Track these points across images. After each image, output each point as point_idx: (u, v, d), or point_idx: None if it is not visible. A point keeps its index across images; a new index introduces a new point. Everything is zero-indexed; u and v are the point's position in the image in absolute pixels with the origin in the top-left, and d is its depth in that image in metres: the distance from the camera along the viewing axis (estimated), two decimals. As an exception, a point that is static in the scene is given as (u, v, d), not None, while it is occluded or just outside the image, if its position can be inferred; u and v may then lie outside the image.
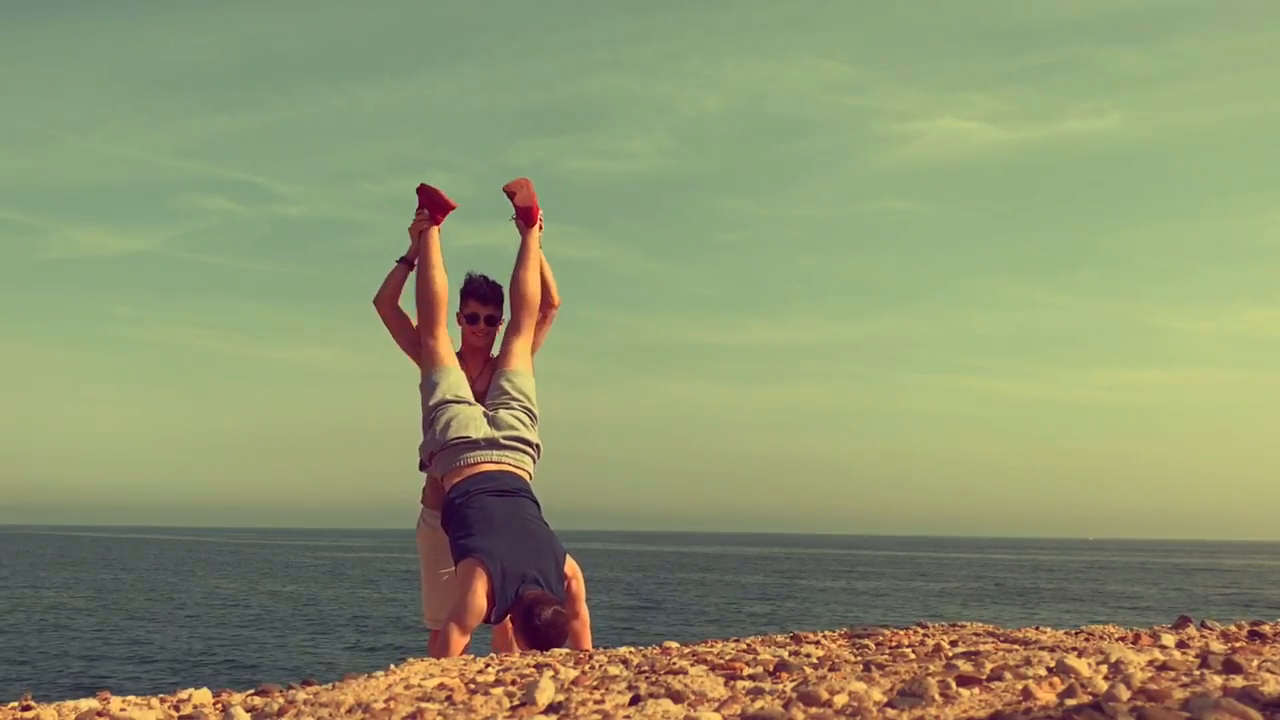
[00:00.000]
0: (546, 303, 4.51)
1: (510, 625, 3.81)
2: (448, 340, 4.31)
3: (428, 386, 4.24)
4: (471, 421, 4.13)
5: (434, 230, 4.41)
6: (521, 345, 4.39)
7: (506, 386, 4.28)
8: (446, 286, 4.31)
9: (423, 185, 4.51)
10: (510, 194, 4.54)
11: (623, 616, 27.55)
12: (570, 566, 3.98)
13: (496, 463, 4.10)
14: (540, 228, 4.53)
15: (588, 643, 3.98)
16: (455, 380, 4.24)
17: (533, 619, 3.61)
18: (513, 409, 4.22)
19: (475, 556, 3.76)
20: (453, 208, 4.46)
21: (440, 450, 4.11)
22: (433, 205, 4.45)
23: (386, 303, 4.39)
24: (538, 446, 4.26)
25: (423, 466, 4.33)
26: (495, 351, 4.53)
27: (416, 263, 4.38)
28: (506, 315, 4.46)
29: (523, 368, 4.35)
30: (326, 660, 18.83)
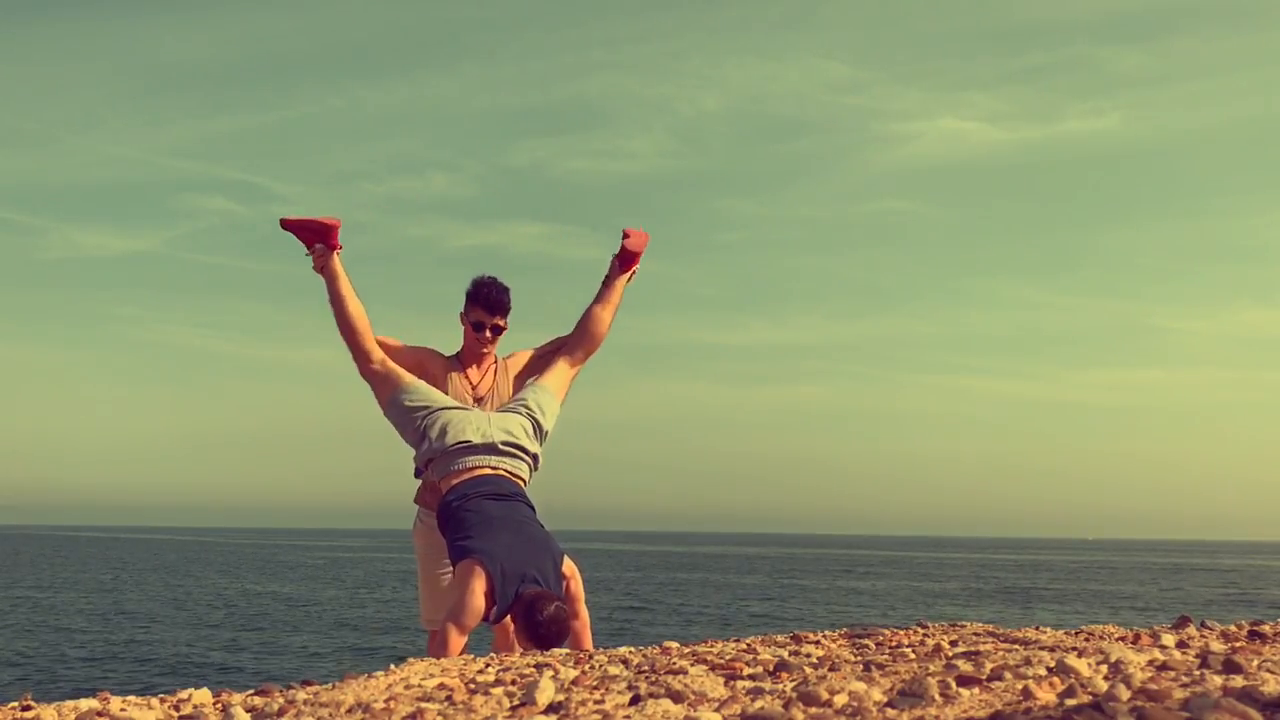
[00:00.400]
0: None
1: (512, 625, 3.81)
2: (387, 360, 4.21)
3: (397, 405, 4.15)
4: (468, 425, 4.11)
5: (335, 259, 4.19)
6: (565, 368, 4.36)
7: (528, 396, 4.26)
8: (364, 313, 4.18)
9: (286, 221, 4.19)
10: (625, 235, 4.46)
11: (623, 616, 27.55)
12: (569, 567, 3.97)
13: (494, 468, 4.08)
14: (631, 279, 4.50)
15: (588, 643, 3.97)
16: (425, 389, 4.19)
17: (535, 615, 3.61)
18: (519, 415, 4.20)
19: (474, 557, 3.75)
20: (337, 225, 4.19)
21: (439, 456, 4.08)
22: (319, 234, 4.19)
23: None
24: (536, 457, 4.22)
25: (418, 473, 4.33)
26: (499, 353, 4.53)
27: (330, 299, 4.20)
28: (550, 332, 4.45)
29: (553, 387, 4.32)
30: (326, 660, 18.83)
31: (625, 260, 4.47)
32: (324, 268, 4.20)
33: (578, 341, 4.41)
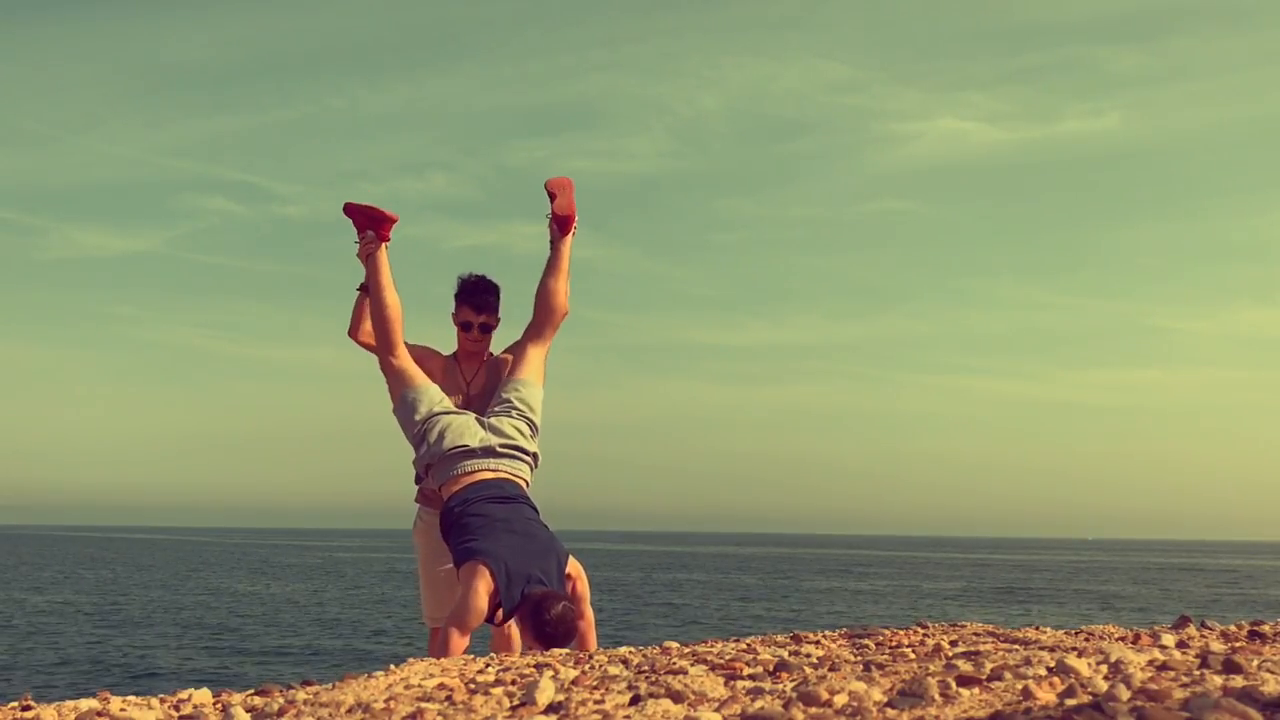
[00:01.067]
0: None
1: (518, 626, 3.81)
2: (409, 357, 4.26)
3: (406, 404, 4.19)
4: (467, 430, 4.11)
5: (383, 249, 4.24)
6: (536, 353, 4.36)
7: (511, 396, 4.25)
8: (399, 306, 4.23)
9: (350, 205, 4.27)
10: (550, 195, 4.41)
11: (622, 617, 27.56)
12: (574, 567, 3.98)
13: (494, 471, 4.09)
14: (573, 234, 4.45)
15: (593, 643, 3.97)
16: (435, 394, 4.21)
17: (542, 615, 3.61)
18: (513, 417, 4.20)
19: (479, 559, 3.76)
20: (394, 220, 4.24)
21: (438, 460, 4.09)
22: (374, 223, 4.25)
23: (360, 332, 4.40)
24: (535, 456, 4.23)
25: (419, 479, 4.33)
26: (493, 351, 4.53)
27: (369, 286, 4.26)
28: (524, 319, 4.41)
29: (533, 378, 4.32)
30: (327, 660, 18.84)
31: (561, 224, 4.42)
32: (369, 255, 4.25)
33: (542, 320, 4.39)
